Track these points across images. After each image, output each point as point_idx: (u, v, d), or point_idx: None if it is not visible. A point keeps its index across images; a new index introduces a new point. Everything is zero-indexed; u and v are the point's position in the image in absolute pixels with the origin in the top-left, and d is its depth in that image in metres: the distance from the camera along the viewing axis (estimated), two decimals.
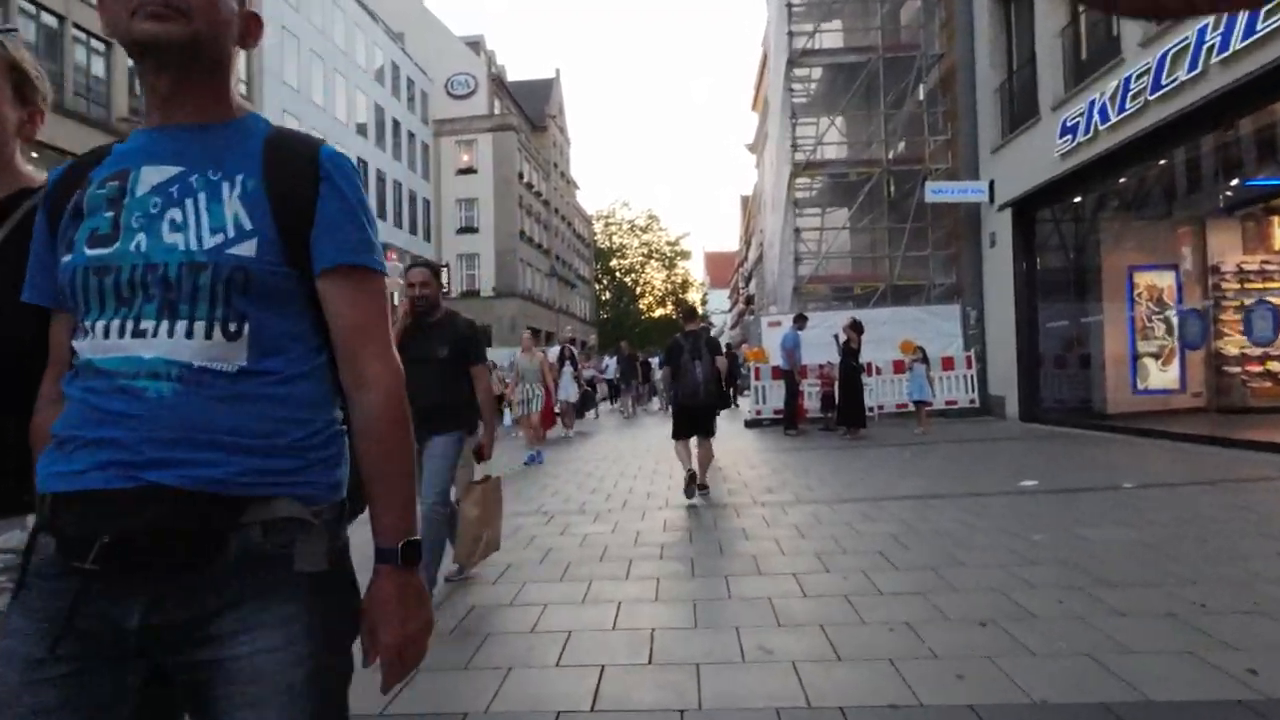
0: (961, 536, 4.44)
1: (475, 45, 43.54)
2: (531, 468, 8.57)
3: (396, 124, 36.76)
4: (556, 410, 11.31)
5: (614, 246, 61.40)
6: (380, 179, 34.50)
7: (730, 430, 12.15)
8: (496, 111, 42.14)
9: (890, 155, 13.57)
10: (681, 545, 4.56)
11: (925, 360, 10.16)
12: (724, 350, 7.11)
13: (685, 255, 63.22)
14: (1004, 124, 11.80)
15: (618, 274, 60.63)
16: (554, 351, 12.54)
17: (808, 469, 7.60)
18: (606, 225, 62.09)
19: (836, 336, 10.25)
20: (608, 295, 61.73)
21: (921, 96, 13.61)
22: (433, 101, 41.11)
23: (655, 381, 18.14)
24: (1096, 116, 9.11)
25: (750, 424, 12.36)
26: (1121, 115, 8.66)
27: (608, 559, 4.30)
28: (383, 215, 34.33)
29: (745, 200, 72.12)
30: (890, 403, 12.02)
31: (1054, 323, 11.37)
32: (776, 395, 12.16)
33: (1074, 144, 9.67)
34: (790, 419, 10.85)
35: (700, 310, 52.70)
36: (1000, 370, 11.97)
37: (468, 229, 40.65)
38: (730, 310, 79.50)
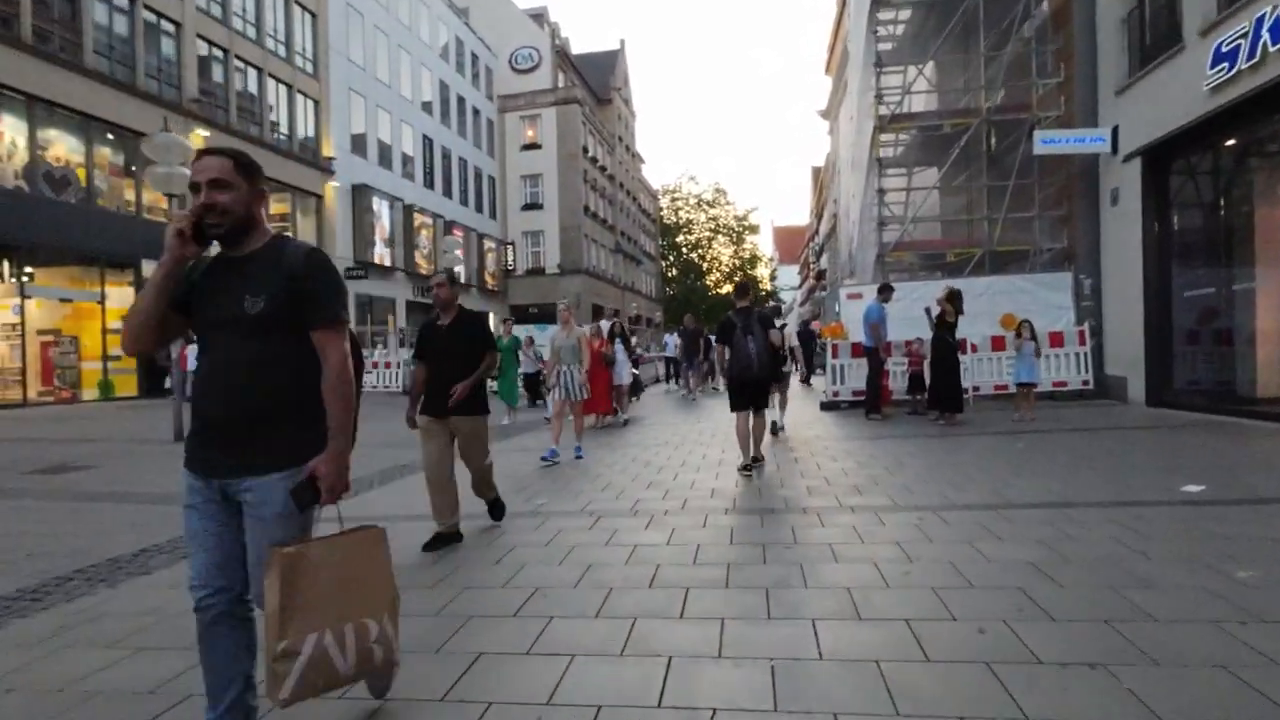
0: (1132, 567, 3.33)
1: (539, 18, 42.81)
2: (563, 467, 6.89)
3: (461, 100, 36.55)
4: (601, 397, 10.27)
5: (680, 222, 60.13)
6: (445, 156, 34.42)
7: (805, 413, 11.05)
8: (560, 85, 41.38)
9: (990, 103, 11.89)
10: (753, 567, 3.62)
11: (1034, 337, 8.76)
12: (777, 325, 7.14)
13: (754, 230, 61.38)
14: (1132, 59, 10.06)
15: (684, 250, 59.40)
16: (605, 326, 11.57)
17: (901, 463, 6.48)
18: (673, 200, 60.84)
19: (929, 310, 8.98)
20: (674, 272, 60.64)
21: (1028, 34, 11.80)
22: (497, 77, 40.74)
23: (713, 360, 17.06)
24: (1266, 35, 7.44)
25: (827, 406, 11.21)
26: None
27: (659, 584, 3.42)
28: (448, 194, 34.28)
29: (816, 171, 69.33)
30: (987, 384, 10.61)
31: (1191, 291, 9.67)
32: (857, 375, 10.97)
33: (1230, 73, 7.98)
34: (873, 401, 9.66)
35: (770, 286, 51.42)
36: (1121, 347, 10.37)
37: (533, 205, 40.29)
38: (800, 286, 77.07)
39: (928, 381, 9.22)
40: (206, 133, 19.13)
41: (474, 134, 37.74)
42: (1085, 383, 10.19)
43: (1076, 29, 10.94)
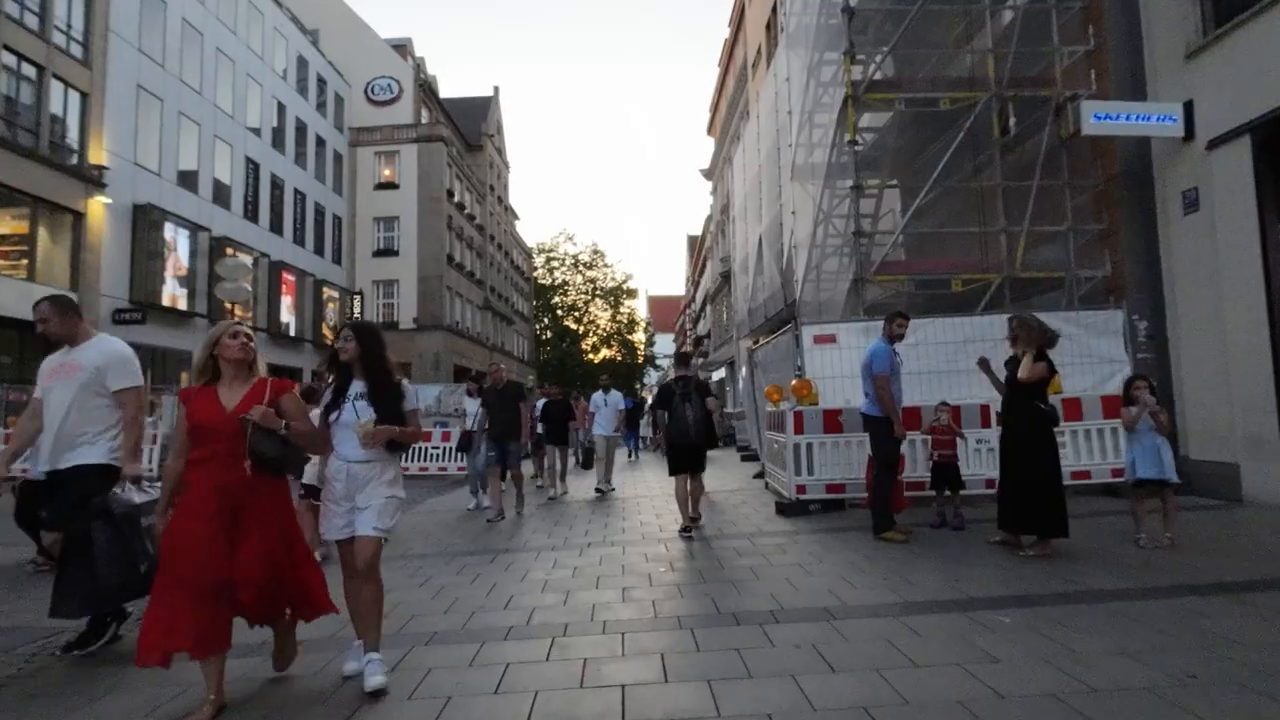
0: None
1: (402, 49, 38.73)
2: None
3: (302, 127, 31.30)
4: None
5: (555, 282, 56.66)
6: (277, 186, 28.83)
7: (754, 518, 7.20)
8: (424, 121, 37.14)
9: (1002, 74, 8.90)
10: None
11: (1153, 390, 5.37)
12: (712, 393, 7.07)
13: (631, 294, 59.02)
14: (1205, 12, 7.48)
15: (559, 311, 55.78)
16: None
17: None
18: (548, 260, 57.40)
19: (985, 363, 5.49)
20: (549, 334, 56.65)
21: None
22: (350, 107, 35.88)
23: (580, 435, 13.06)
24: None
25: (785, 510, 7.43)
26: None
27: None
28: (278, 230, 28.55)
29: (693, 240, 69.13)
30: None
31: None
32: (832, 460, 7.33)
33: None
34: (884, 511, 5.92)
35: (646, 352, 49.21)
36: (1214, 419, 7.34)
37: (387, 251, 35.08)
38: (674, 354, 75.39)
39: (1003, 483, 5.64)
40: None
41: (316, 166, 32.39)
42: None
43: None
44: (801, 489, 7.38)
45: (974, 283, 8.61)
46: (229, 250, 24.25)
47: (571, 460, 11.67)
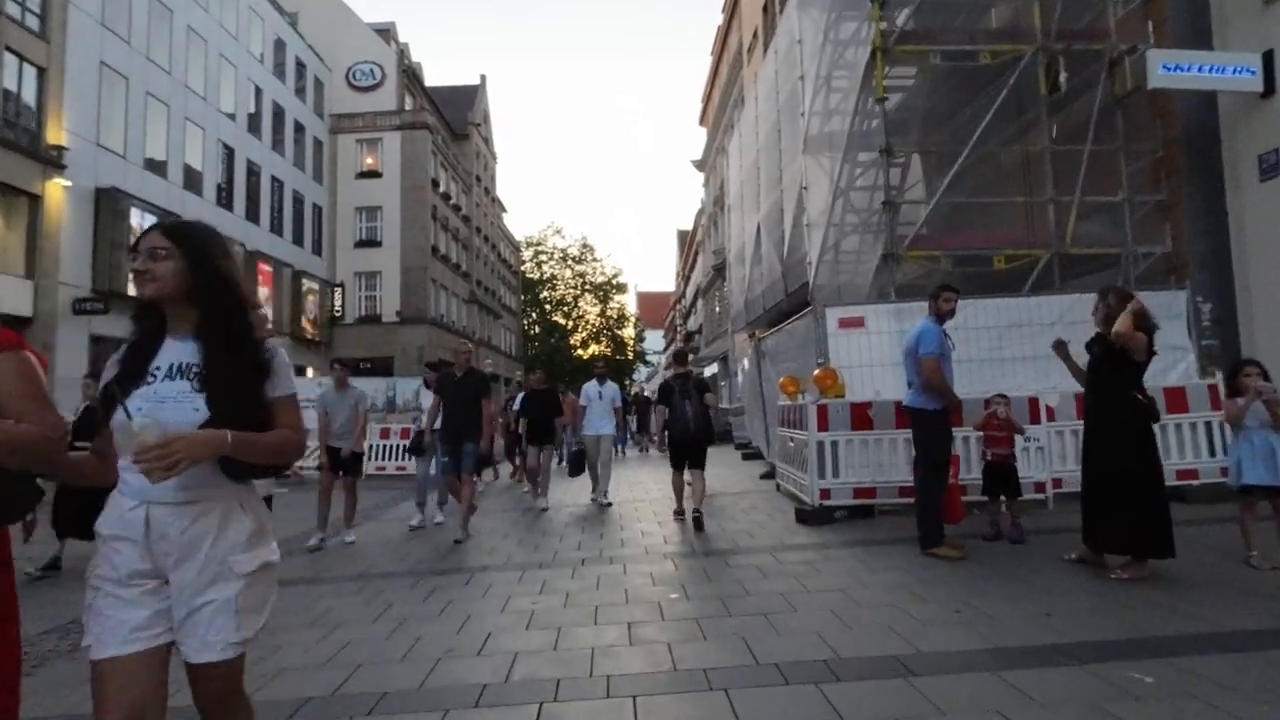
0: None
1: (385, 33, 37.45)
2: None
3: (280, 111, 30.05)
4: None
5: (543, 276, 55.59)
6: (253, 173, 27.60)
7: (770, 527, 6.28)
8: (408, 108, 35.94)
9: (1045, 27, 7.89)
10: None
11: (1266, 376, 4.44)
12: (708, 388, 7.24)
13: (621, 289, 58.00)
14: None
15: (547, 306, 54.74)
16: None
17: None
18: (536, 254, 56.30)
19: (1061, 345, 4.57)
20: (537, 329, 55.60)
21: None
22: (330, 93, 34.62)
23: (567, 434, 11.83)
24: None
25: (806, 518, 6.50)
26: None
27: None
28: (254, 218, 27.35)
29: (683, 235, 68.23)
30: (1078, 473, 6.42)
31: None
32: (860, 460, 6.42)
33: None
34: (933, 522, 5.01)
35: (637, 348, 48.37)
36: None
37: (369, 242, 33.87)
38: (665, 350, 74.69)
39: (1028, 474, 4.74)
40: None
41: (295, 153, 31.15)
42: (1226, 470, 6.26)
43: None
44: (825, 494, 6.45)
45: (1018, 259, 7.69)
46: None
47: (555, 463, 10.10)
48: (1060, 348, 4.58)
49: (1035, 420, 6.33)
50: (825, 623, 3.64)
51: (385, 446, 13.75)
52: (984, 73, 8.21)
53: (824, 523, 6.35)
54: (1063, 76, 8.15)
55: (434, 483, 7.83)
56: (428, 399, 7.88)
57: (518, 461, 11.87)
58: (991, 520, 5.42)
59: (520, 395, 9.30)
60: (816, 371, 6.70)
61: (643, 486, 10.62)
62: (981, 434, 5.61)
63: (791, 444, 7.57)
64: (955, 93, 9.00)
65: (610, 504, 8.57)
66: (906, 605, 3.87)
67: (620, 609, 4.13)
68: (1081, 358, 4.57)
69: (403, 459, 13.11)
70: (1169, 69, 6.56)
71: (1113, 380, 4.27)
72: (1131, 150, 7.83)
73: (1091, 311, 4.47)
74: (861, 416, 6.43)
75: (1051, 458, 6.38)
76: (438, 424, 7.06)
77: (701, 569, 5.04)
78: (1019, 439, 5.72)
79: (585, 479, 9.41)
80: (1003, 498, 5.40)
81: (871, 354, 6.82)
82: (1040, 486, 6.37)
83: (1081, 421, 6.32)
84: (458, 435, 6.72)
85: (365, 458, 13.86)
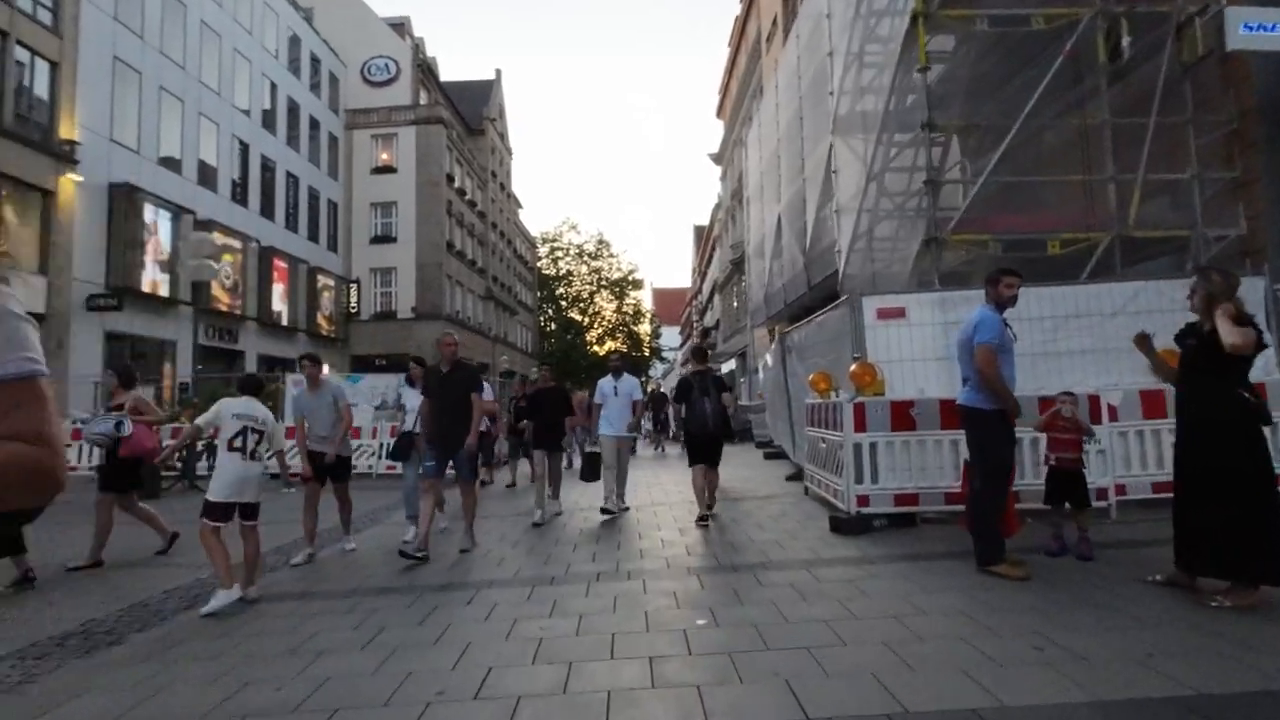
0: None
1: (399, 28, 37.20)
2: None
3: (295, 107, 29.88)
4: None
5: (559, 273, 55.23)
6: (268, 169, 27.42)
7: (801, 537, 5.73)
8: (423, 102, 35.64)
9: None
10: None
11: None
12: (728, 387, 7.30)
13: (637, 285, 57.46)
14: None
15: (563, 302, 54.39)
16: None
17: None
18: (552, 250, 55.96)
19: (1146, 338, 4.02)
20: (553, 326, 55.27)
21: None
22: (346, 88, 34.43)
23: (578, 435, 11.36)
24: None
25: (842, 527, 5.94)
26: None
27: None
28: (269, 215, 27.17)
29: (699, 230, 67.54)
30: (1142, 481, 5.80)
31: None
32: (903, 463, 5.86)
33: None
34: (990, 531, 4.45)
35: (653, 344, 47.84)
36: None
37: (384, 238, 33.64)
38: (680, 347, 74.11)
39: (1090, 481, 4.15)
40: None
41: (310, 149, 30.97)
42: None
43: None
44: (864, 500, 5.90)
45: (1076, 244, 7.04)
46: (226, 240, 22.96)
47: (565, 466, 9.39)
48: (1143, 341, 4.00)
49: (1096, 420, 5.72)
50: (881, 660, 3.11)
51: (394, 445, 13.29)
52: (1036, 39, 7.52)
53: (862, 532, 5.79)
54: (1125, 41, 7.47)
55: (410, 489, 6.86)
56: (411, 397, 7.05)
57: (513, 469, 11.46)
58: (1055, 533, 4.84)
59: (523, 395, 8.70)
60: (853, 367, 6.14)
61: (661, 488, 10.10)
62: (1042, 436, 5.02)
63: (823, 445, 7.02)
64: (1003, 62, 8.26)
65: (628, 508, 7.95)
66: (975, 639, 3.32)
67: (640, 638, 3.62)
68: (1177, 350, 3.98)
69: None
70: (1251, 29, 5.91)
71: (1215, 377, 3.68)
72: (1202, 122, 7.13)
73: (1188, 295, 3.88)
74: (902, 416, 5.87)
75: (1115, 461, 5.78)
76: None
77: (730, 588, 4.51)
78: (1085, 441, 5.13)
79: (595, 487, 8.45)
80: (1068, 506, 4.81)
81: (914, 347, 6.24)
82: (1102, 493, 5.77)
83: (1149, 422, 5.78)
84: (450, 437, 5.95)
85: (376, 457, 13.50)
